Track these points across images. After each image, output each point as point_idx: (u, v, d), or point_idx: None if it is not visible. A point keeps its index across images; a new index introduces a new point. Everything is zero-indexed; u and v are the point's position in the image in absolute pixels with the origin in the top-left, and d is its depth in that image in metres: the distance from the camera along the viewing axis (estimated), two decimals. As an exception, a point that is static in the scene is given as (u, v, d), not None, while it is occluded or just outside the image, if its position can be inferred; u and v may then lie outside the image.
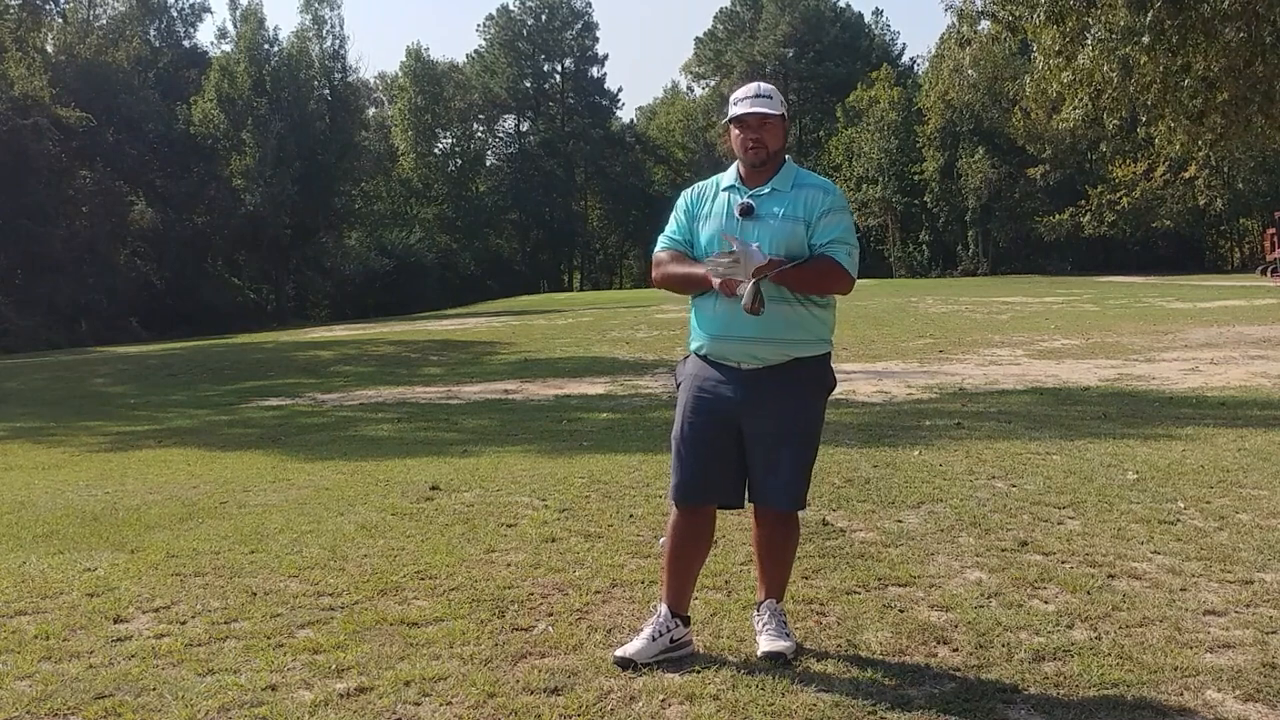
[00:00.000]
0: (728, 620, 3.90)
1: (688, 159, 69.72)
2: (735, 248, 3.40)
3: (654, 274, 3.78)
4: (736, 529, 4.89)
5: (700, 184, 3.81)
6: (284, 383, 16.02)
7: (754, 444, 3.56)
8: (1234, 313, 20.63)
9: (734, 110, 3.61)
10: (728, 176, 3.71)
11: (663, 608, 3.63)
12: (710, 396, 3.60)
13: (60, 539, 5.72)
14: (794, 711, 3.12)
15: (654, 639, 3.55)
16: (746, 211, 3.56)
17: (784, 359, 3.53)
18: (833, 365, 3.74)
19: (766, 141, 3.58)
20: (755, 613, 3.73)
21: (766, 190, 3.60)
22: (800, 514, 3.77)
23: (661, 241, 3.75)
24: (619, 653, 3.55)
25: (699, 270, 3.55)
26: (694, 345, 3.69)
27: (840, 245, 3.52)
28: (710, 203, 3.69)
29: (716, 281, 3.45)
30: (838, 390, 3.90)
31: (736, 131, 3.62)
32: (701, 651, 3.60)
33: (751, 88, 3.65)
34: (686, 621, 3.66)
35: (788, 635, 3.58)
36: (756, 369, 3.54)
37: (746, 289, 3.40)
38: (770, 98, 3.60)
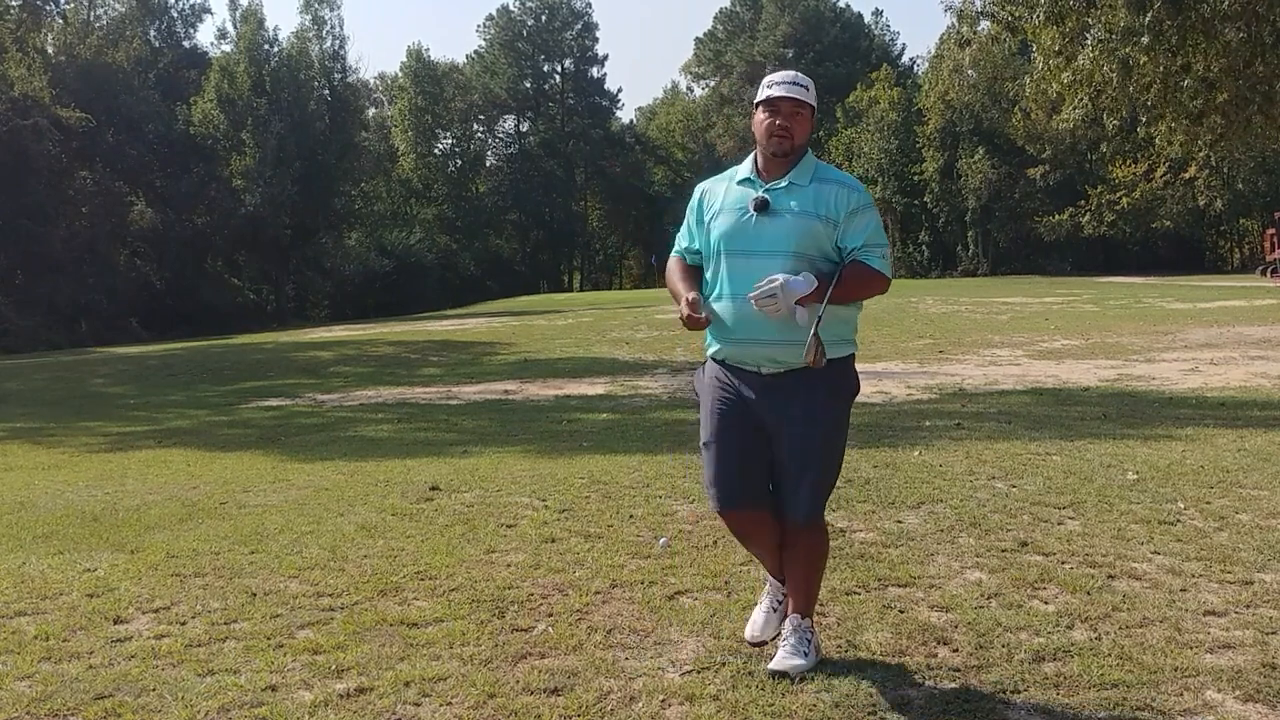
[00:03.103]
0: (728, 621, 3.90)
1: (688, 159, 69.74)
2: (776, 285, 3.26)
3: (666, 278, 3.72)
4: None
5: (711, 180, 3.66)
6: (283, 383, 16.01)
7: (777, 451, 3.45)
8: (1234, 313, 20.63)
9: (767, 92, 3.46)
10: (743, 168, 3.56)
11: (769, 580, 3.71)
12: (734, 401, 3.48)
13: (60, 539, 5.72)
14: (794, 712, 3.12)
15: (774, 609, 3.65)
16: (761, 206, 3.41)
17: (804, 362, 3.37)
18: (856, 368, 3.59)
19: (794, 131, 3.42)
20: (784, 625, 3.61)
21: (784, 184, 3.43)
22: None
23: (675, 246, 3.66)
24: (748, 637, 3.66)
25: (685, 294, 3.47)
26: (711, 351, 3.56)
27: (874, 249, 3.41)
28: (723, 197, 3.53)
29: (684, 314, 3.40)
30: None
31: (764, 116, 3.45)
32: (702, 652, 3.60)
33: (789, 74, 3.51)
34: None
35: (805, 654, 3.42)
36: (777, 373, 3.41)
37: (808, 340, 3.26)
38: (806, 88, 3.46)
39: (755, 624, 3.66)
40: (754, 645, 3.61)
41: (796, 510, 3.45)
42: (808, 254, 3.36)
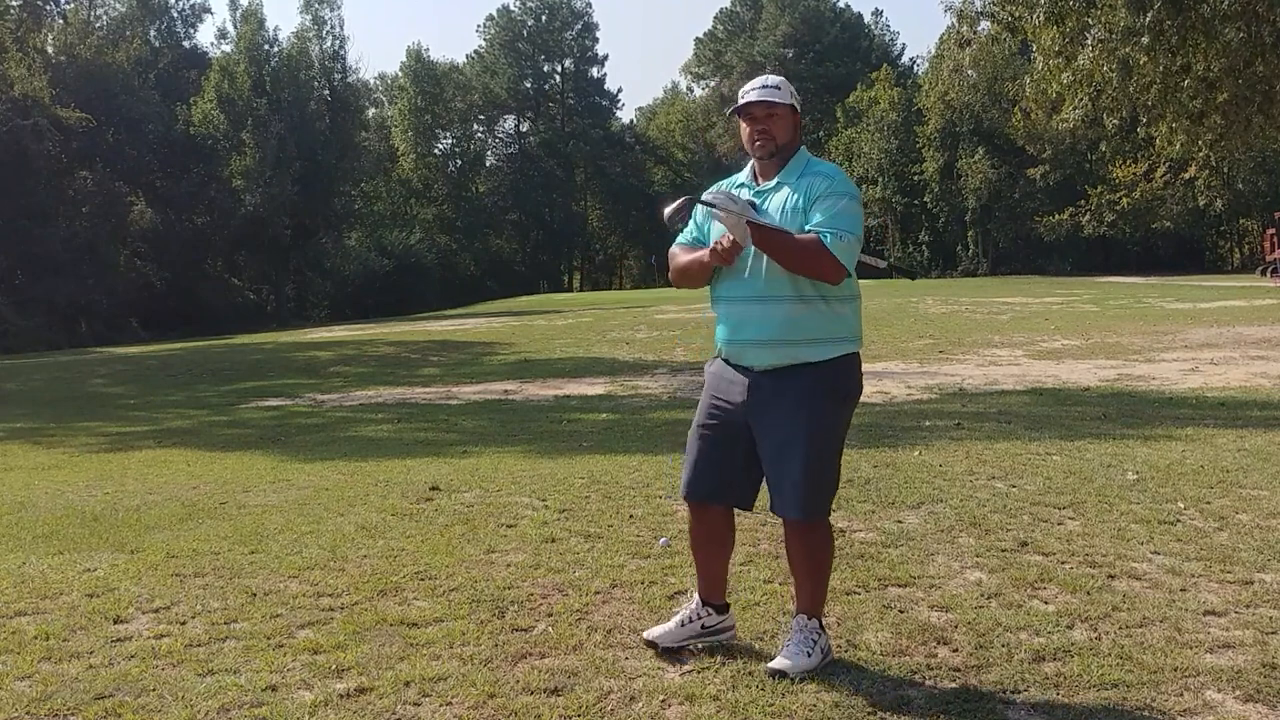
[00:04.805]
0: (728, 620, 3.89)
1: (687, 159, 69.76)
2: (743, 201, 3.36)
3: (670, 272, 3.75)
4: (737, 529, 4.87)
5: (711, 190, 3.71)
6: (282, 383, 16.01)
7: (762, 449, 3.47)
8: (1234, 313, 20.63)
9: (741, 101, 3.52)
10: (743, 174, 3.64)
11: (694, 595, 3.70)
12: (722, 398, 3.55)
13: (60, 539, 5.72)
14: (794, 712, 3.11)
15: (683, 624, 3.62)
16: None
17: (792, 362, 3.42)
18: (860, 367, 3.59)
19: (774, 133, 3.48)
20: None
21: (773, 184, 3.51)
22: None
23: (676, 241, 3.72)
24: (646, 634, 3.64)
25: (703, 253, 3.51)
26: (716, 345, 3.65)
27: (829, 229, 3.35)
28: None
29: (713, 246, 3.44)
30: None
31: (744, 124, 3.53)
32: (702, 652, 3.60)
33: (759, 80, 3.57)
34: (722, 609, 3.68)
35: (807, 653, 3.39)
36: (767, 370, 3.46)
37: (674, 202, 3.42)
38: (778, 88, 3.51)
39: (661, 628, 3.66)
40: (646, 641, 3.62)
41: (781, 508, 3.47)
42: None
